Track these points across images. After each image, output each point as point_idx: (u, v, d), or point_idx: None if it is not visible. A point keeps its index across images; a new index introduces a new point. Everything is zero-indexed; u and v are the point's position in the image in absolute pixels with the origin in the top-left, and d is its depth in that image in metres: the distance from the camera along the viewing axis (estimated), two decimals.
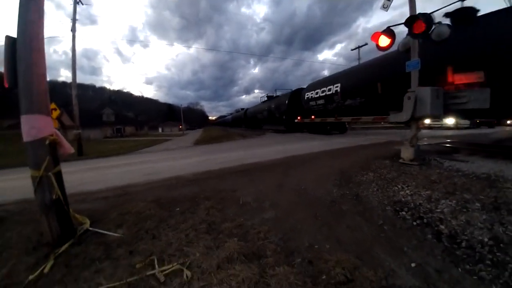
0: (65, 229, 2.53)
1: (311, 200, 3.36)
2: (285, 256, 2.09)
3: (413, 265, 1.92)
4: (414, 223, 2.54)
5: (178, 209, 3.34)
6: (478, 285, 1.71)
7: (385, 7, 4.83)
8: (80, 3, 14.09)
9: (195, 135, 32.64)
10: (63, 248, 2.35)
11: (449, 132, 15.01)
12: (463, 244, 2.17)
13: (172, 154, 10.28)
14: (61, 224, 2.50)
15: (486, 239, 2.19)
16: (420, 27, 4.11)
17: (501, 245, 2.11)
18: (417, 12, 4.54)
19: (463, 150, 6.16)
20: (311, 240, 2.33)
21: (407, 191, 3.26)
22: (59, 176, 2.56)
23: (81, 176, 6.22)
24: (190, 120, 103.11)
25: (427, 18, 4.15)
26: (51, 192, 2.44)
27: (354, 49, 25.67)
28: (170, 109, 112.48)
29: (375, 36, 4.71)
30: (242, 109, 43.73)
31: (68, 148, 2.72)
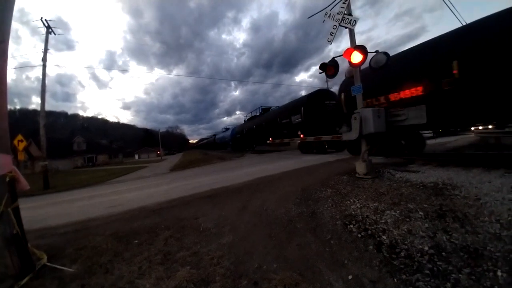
0: (25, 263, 2.61)
1: (270, 220, 3.45)
2: (233, 280, 2.12)
3: (350, 277, 2.04)
4: (359, 235, 2.72)
5: (136, 241, 3.27)
6: None
7: (329, 41, 5.47)
8: (52, 32, 14.03)
9: (174, 160, 31.84)
10: (24, 281, 2.47)
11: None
12: (402, 253, 2.27)
13: (144, 183, 9.96)
14: (21, 258, 2.59)
15: (426, 248, 2.28)
16: (358, 57, 4.70)
17: (443, 253, 2.17)
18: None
19: (418, 161, 6.73)
20: (261, 261, 2.39)
21: (358, 204, 3.49)
22: (17, 211, 2.67)
23: (44, 211, 6.03)
24: (170, 144, 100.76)
25: (363, 49, 4.78)
26: (11, 227, 2.54)
27: (321, 72, 27.78)
28: (147, 134, 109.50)
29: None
30: (227, 128, 38.53)
31: (25, 184, 2.84)
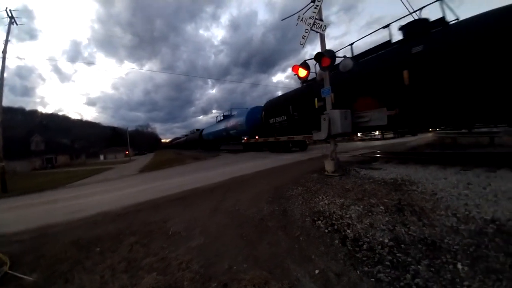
0: None
1: (242, 220, 3.46)
2: (202, 283, 2.08)
3: (316, 271, 2.13)
4: (326, 231, 2.85)
5: (97, 249, 3.05)
6: None
7: (301, 44, 5.64)
8: (14, 23, 12.55)
9: (144, 160, 30.23)
10: None
11: (377, 143, 17.50)
12: (364, 246, 2.40)
13: (109, 186, 9.29)
14: None
15: (386, 240, 2.41)
16: (326, 61, 4.91)
17: (402, 245, 2.30)
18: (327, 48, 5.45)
19: (381, 159, 7.26)
20: (232, 262, 2.38)
21: (326, 201, 3.66)
22: None
23: (0, 217, 5.57)
24: (140, 144, 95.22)
25: (331, 54, 5.02)
26: None
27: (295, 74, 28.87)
28: (115, 132, 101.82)
29: (295, 68, 5.48)
30: (198, 129, 38.03)
31: None
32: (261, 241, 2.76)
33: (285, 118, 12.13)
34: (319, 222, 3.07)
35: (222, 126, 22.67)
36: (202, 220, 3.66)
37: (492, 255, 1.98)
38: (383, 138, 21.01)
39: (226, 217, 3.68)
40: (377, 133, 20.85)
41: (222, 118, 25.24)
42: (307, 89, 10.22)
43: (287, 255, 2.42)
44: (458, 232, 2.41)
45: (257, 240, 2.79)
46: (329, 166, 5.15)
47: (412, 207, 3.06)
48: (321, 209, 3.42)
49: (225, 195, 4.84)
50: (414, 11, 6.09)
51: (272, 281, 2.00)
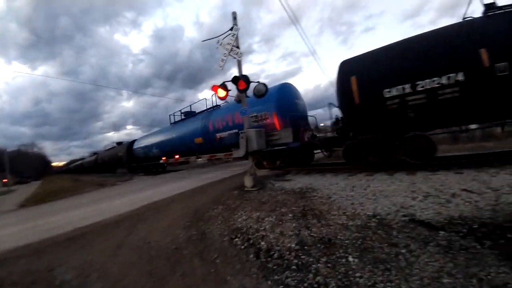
0: None
1: (152, 255, 3.07)
2: None
3: None
4: (243, 247, 2.90)
5: None
6: None
7: (220, 67, 5.91)
8: None
9: (28, 190, 22.71)
10: None
11: None
12: (275, 255, 2.55)
13: None
14: None
15: (293, 245, 2.64)
16: (242, 85, 5.33)
17: (305, 247, 2.56)
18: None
19: (293, 171, 8.23)
20: None
21: (244, 217, 3.77)
22: None
23: None
24: (23, 168, 71.08)
25: (246, 78, 5.49)
26: None
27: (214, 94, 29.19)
28: None
29: (214, 88, 5.68)
30: (119, 143, 25.85)
31: None
32: (174, 274, 2.52)
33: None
34: (237, 239, 3.11)
35: (196, 125, 12.01)
36: (100, 261, 3.02)
37: (377, 246, 2.39)
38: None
39: (133, 253, 3.18)
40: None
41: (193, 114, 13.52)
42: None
43: (201, 283, 2.29)
44: (348, 228, 2.90)
45: (169, 274, 2.53)
46: (248, 181, 5.41)
47: (313, 211, 3.57)
48: (239, 225, 3.50)
49: (135, 227, 4.21)
50: None
51: None
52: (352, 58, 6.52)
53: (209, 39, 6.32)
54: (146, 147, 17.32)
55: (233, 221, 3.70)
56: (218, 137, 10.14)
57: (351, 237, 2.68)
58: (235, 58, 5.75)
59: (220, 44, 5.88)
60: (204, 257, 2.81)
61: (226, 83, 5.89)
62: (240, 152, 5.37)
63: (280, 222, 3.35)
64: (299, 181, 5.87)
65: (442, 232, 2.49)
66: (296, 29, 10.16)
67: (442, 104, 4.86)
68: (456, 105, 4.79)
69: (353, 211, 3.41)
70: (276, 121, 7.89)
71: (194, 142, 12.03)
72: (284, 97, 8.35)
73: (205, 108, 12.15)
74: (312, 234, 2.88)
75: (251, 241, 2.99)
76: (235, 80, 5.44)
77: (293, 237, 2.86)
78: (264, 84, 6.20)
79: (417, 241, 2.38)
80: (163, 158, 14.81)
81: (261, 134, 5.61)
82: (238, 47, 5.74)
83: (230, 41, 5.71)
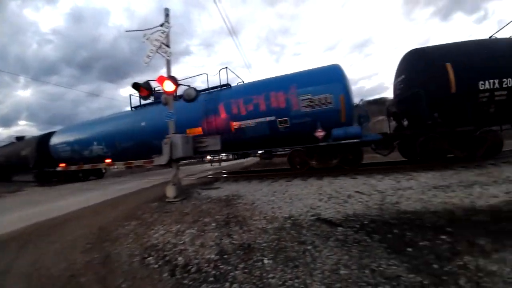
0: None
1: (43, 283, 2.38)
2: None
3: None
4: (156, 266, 2.59)
5: None
6: None
7: (146, 63, 5.36)
8: None
9: None
10: None
11: (224, 164, 19.75)
12: (193, 269, 2.39)
13: None
14: None
15: (213, 256, 2.54)
16: (169, 86, 4.97)
17: (225, 256, 2.50)
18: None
19: (222, 178, 8.18)
20: None
21: (161, 232, 3.42)
22: None
23: None
24: None
25: (175, 79, 5.16)
26: None
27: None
28: None
29: (160, 79, 5.02)
30: (19, 138, 17.78)
31: None
32: None
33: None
34: (150, 258, 2.76)
35: (190, 110, 7.87)
36: None
37: (289, 245, 2.57)
38: (227, 160, 24.17)
39: (21, 282, 2.37)
40: (224, 155, 23.80)
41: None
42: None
43: None
44: (267, 231, 3.04)
45: None
46: (170, 191, 4.99)
47: (237, 218, 3.60)
48: (155, 242, 3.13)
49: (20, 252, 3.19)
50: None
51: None
52: (440, 45, 6.42)
53: (134, 30, 5.75)
54: (78, 142, 11.22)
55: (147, 238, 3.28)
56: (236, 126, 7.16)
57: (269, 239, 2.81)
58: (163, 56, 5.36)
59: (147, 39, 5.38)
60: (107, 284, 2.35)
61: (150, 81, 5.38)
62: (163, 159, 4.91)
63: (202, 233, 3.22)
64: (226, 189, 5.87)
65: (340, 228, 2.94)
66: (233, 40, 10.49)
67: None
68: None
69: (273, 214, 3.63)
70: (343, 107, 6.07)
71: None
72: (347, 79, 6.48)
73: (205, 88, 8.38)
74: (233, 241, 2.88)
75: (167, 258, 2.72)
76: (161, 80, 5.01)
77: (214, 247, 2.78)
78: (195, 89, 5.99)
79: (321, 237, 2.72)
80: (108, 160, 10.11)
81: (188, 140, 5.33)
82: (168, 46, 5.38)
83: (160, 37, 5.31)
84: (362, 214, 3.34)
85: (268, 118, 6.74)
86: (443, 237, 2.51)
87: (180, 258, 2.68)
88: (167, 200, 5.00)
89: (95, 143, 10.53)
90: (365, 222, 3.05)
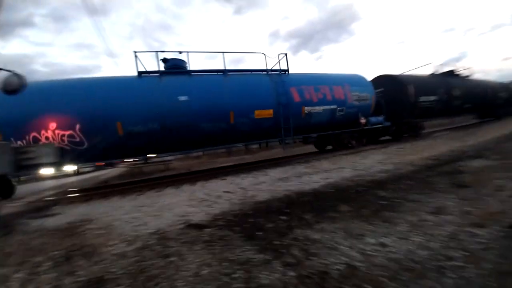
0: None
1: None
2: None
3: None
4: None
5: None
6: None
7: None
8: None
9: None
10: None
11: (71, 179, 15.20)
12: None
13: None
14: None
15: None
16: None
17: None
18: None
19: (65, 200, 6.23)
20: None
21: None
22: None
23: None
24: None
25: None
26: None
27: None
28: None
29: None
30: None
31: None
32: None
33: None
34: None
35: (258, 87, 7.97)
36: None
37: (152, 263, 2.32)
38: (77, 174, 18.81)
39: None
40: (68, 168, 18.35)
41: None
42: None
43: None
44: (125, 255, 2.62)
45: None
46: None
47: (83, 249, 2.89)
48: None
49: None
50: None
51: None
52: (406, 75, 12.30)
53: None
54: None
55: None
56: (307, 111, 7.95)
57: (127, 264, 2.45)
58: None
59: None
60: None
61: None
62: None
63: (35, 277, 2.36)
64: (71, 213, 4.55)
65: (207, 229, 3.10)
66: (88, 17, 8.22)
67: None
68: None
69: (135, 233, 3.22)
70: (373, 104, 9.65)
71: (253, 117, 7.24)
72: None
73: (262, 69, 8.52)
74: (78, 279, 2.31)
75: None
76: None
77: None
78: (20, 76, 4.04)
79: (188, 244, 2.75)
80: None
81: (3, 150, 3.60)
82: None
83: None
84: (228, 211, 3.70)
85: (332, 106, 8.52)
86: (283, 217, 3.26)
87: None
88: None
89: None
90: (229, 218, 3.41)
